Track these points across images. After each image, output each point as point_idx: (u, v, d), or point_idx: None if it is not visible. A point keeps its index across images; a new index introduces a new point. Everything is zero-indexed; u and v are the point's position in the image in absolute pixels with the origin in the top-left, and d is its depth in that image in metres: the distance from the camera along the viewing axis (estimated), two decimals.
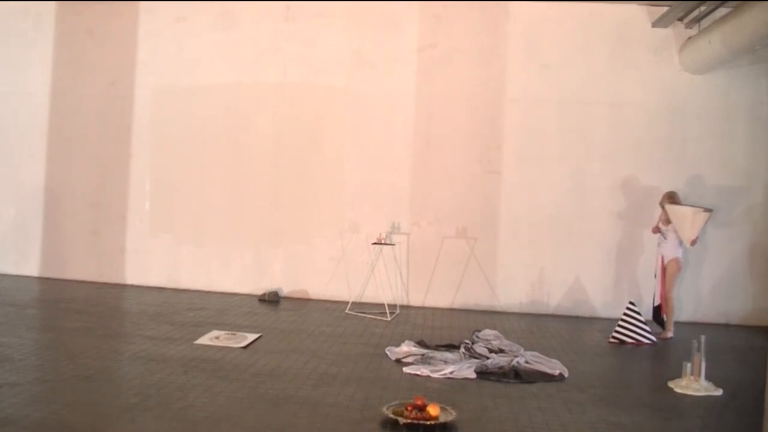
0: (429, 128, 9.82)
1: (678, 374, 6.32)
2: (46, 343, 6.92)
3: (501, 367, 6.40)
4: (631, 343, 7.95)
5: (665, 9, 9.14)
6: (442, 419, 4.89)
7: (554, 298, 9.66)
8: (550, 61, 9.68)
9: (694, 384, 6.10)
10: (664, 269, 8.51)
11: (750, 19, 7.57)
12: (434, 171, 9.81)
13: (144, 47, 10.25)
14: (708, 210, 8.40)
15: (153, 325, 7.74)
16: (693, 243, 8.34)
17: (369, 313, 8.96)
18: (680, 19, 9.27)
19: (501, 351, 6.96)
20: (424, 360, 6.60)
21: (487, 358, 6.66)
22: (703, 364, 6.11)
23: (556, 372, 6.40)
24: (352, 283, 9.67)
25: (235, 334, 7.35)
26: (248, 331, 7.51)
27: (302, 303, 9.63)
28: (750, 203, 9.55)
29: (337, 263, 9.86)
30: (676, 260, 8.46)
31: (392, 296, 9.49)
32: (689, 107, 9.58)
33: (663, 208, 8.59)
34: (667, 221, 8.50)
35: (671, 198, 8.60)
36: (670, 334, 8.36)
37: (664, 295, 8.50)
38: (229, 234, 10.11)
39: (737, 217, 9.55)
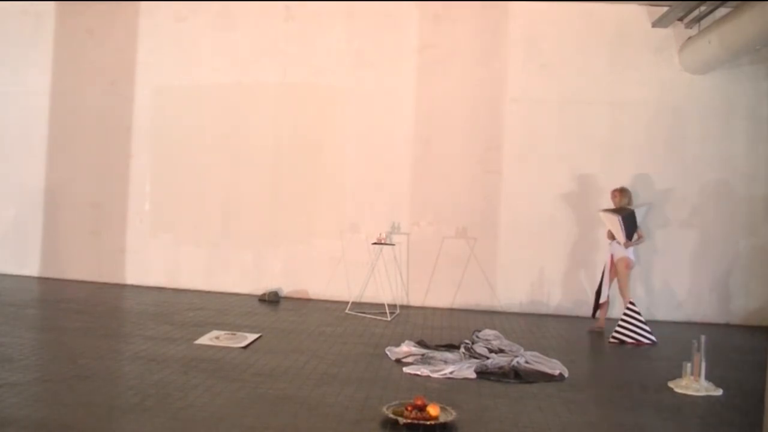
0: (429, 128, 9.82)
1: (678, 374, 6.32)
2: (46, 343, 6.92)
3: (501, 367, 6.40)
4: (631, 343, 7.95)
5: (665, 9, 9.15)
6: (442, 419, 4.88)
7: (554, 298, 9.66)
8: (550, 61, 9.68)
9: (694, 384, 6.10)
10: (612, 267, 8.56)
11: (750, 19, 7.57)
12: (434, 171, 9.81)
13: (144, 47, 10.26)
14: (616, 212, 8.46)
15: (153, 325, 7.74)
16: (626, 245, 8.44)
17: (369, 313, 8.96)
18: (680, 19, 9.27)
19: (501, 351, 6.96)
20: (424, 360, 6.60)
21: (487, 358, 6.66)
22: (703, 364, 6.11)
23: (556, 372, 6.39)
24: (352, 283, 9.67)
25: (235, 334, 7.35)
26: (248, 331, 7.51)
27: (302, 303, 9.63)
28: (750, 203, 9.55)
29: (337, 263, 9.86)
30: (623, 259, 8.49)
31: (392, 296, 9.49)
32: (689, 107, 9.58)
33: (614, 203, 8.66)
34: None
35: (622, 194, 8.62)
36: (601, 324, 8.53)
37: (622, 293, 8.58)
38: (229, 234, 10.11)
39: (737, 217, 9.55)
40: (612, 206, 8.71)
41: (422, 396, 5.07)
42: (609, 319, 8.67)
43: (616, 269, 8.56)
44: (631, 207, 8.64)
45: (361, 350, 7.06)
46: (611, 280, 8.61)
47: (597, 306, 8.67)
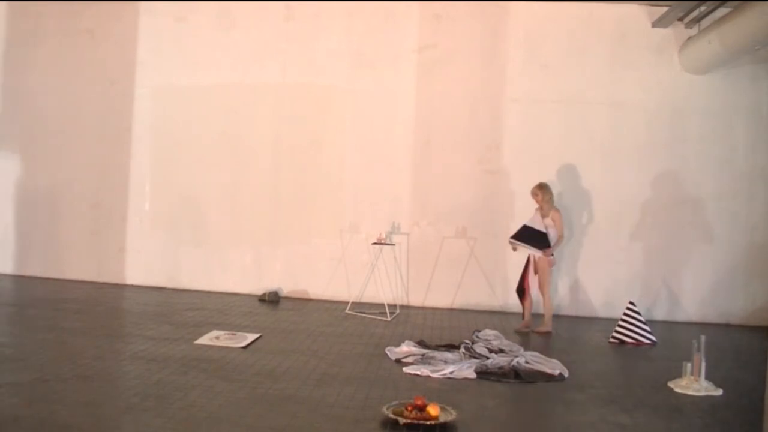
0: (429, 128, 9.82)
1: (678, 374, 6.32)
2: (46, 343, 6.91)
3: (501, 367, 6.40)
4: (631, 343, 7.95)
5: (665, 9, 9.14)
6: (442, 419, 4.89)
7: (554, 298, 9.65)
8: (550, 61, 9.68)
9: (694, 384, 6.10)
10: (534, 264, 8.45)
11: (750, 19, 7.58)
12: (434, 171, 9.81)
13: (144, 47, 10.25)
14: (517, 236, 8.45)
15: (153, 325, 7.74)
16: (547, 253, 8.34)
17: (369, 313, 8.95)
18: (680, 19, 9.27)
19: (501, 351, 6.97)
20: (424, 360, 6.60)
21: (487, 358, 6.66)
22: (703, 364, 6.11)
23: (556, 372, 6.39)
24: (352, 283, 9.67)
25: (235, 334, 7.35)
26: (248, 331, 7.51)
27: (302, 303, 9.63)
28: (750, 203, 9.55)
29: (337, 263, 9.85)
30: (545, 257, 8.36)
31: (392, 296, 9.49)
32: (689, 107, 9.58)
33: (536, 200, 8.51)
34: (544, 216, 8.45)
35: (542, 190, 8.49)
36: (547, 328, 8.32)
37: (542, 290, 8.46)
38: (229, 234, 10.11)
39: (737, 217, 9.54)
40: (535, 204, 8.59)
41: (422, 396, 5.07)
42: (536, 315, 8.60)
43: (539, 266, 8.42)
44: (553, 203, 8.50)
45: (361, 350, 7.06)
46: (534, 278, 8.45)
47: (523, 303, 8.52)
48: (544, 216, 8.48)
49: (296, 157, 10.01)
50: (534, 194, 8.57)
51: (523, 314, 8.62)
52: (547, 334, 8.28)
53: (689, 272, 9.52)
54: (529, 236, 8.44)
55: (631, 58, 9.60)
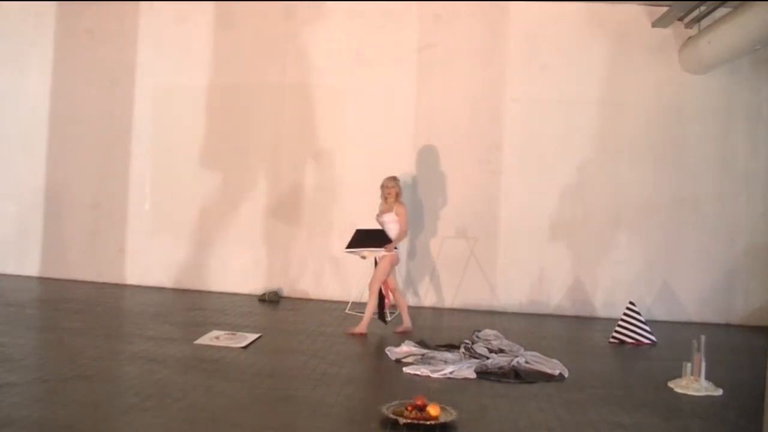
0: (429, 128, 9.82)
1: (678, 374, 6.32)
2: (46, 343, 6.93)
3: (501, 367, 6.40)
4: (631, 343, 7.95)
5: (665, 9, 9.15)
6: (442, 419, 4.89)
7: (554, 298, 9.66)
8: (550, 61, 9.67)
9: (694, 384, 6.10)
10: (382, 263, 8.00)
11: (750, 19, 7.58)
12: (434, 171, 9.81)
13: (144, 47, 10.25)
14: (354, 251, 8.09)
15: (153, 325, 7.74)
16: (389, 249, 7.83)
17: None
18: (680, 19, 9.27)
19: (501, 351, 6.97)
20: (424, 360, 6.60)
21: (487, 358, 6.67)
22: (703, 364, 6.11)
23: (556, 372, 6.40)
24: (352, 283, 9.66)
25: (235, 334, 7.35)
26: (248, 331, 7.51)
27: (302, 303, 9.63)
28: (750, 203, 9.55)
29: (337, 263, 9.85)
30: (389, 255, 7.89)
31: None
32: (689, 107, 9.57)
33: (389, 194, 8.11)
34: (385, 212, 8.08)
35: (398, 182, 8.16)
36: (361, 330, 7.77)
37: (370, 286, 8.01)
38: (229, 234, 10.10)
39: (737, 216, 9.54)
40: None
41: (422, 396, 5.07)
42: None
43: (380, 263, 7.94)
44: (401, 197, 8.18)
45: (361, 350, 7.06)
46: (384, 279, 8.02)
47: (383, 308, 8.04)
48: (387, 210, 8.09)
49: (296, 156, 10.01)
50: (391, 187, 8.10)
51: (388, 318, 8.19)
52: (361, 335, 7.69)
53: (689, 272, 9.52)
54: (366, 238, 8.03)
55: (631, 58, 9.60)
